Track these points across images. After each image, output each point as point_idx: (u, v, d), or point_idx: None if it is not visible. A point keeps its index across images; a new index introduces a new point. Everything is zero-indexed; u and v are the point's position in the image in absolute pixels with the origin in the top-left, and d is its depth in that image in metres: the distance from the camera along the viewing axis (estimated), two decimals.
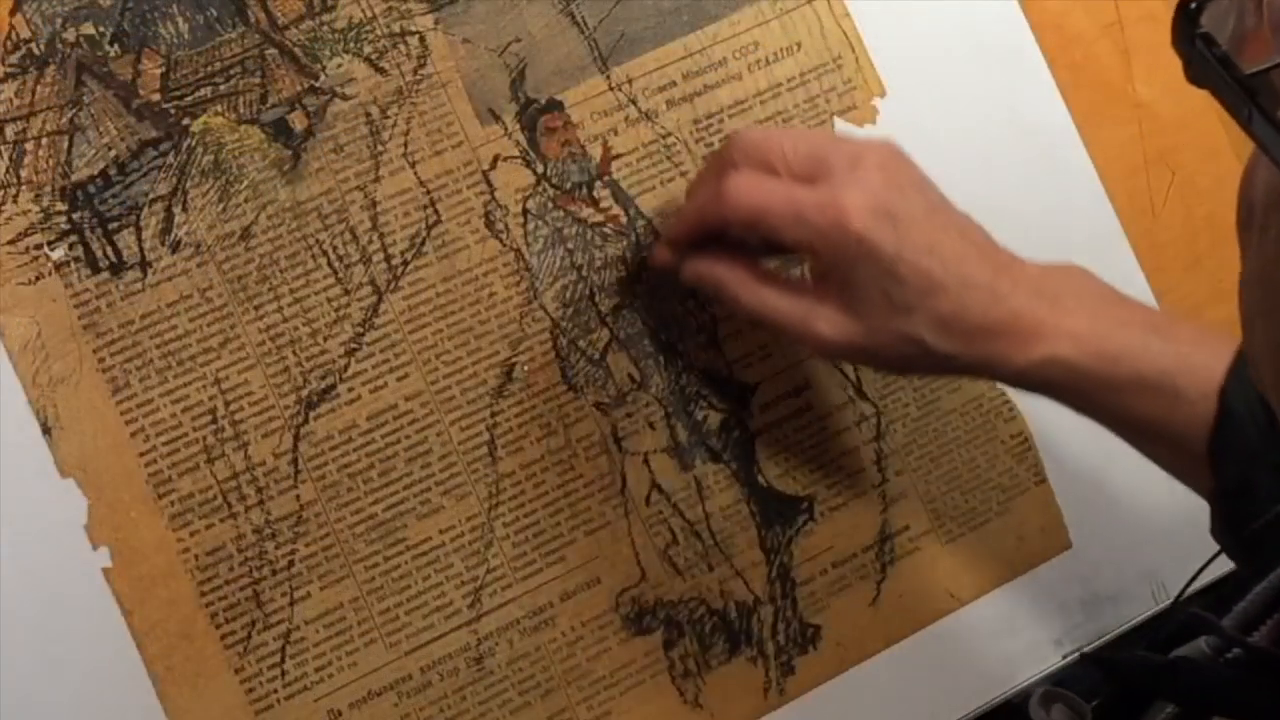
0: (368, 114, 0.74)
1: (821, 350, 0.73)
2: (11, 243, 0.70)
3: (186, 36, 0.72)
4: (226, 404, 0.71)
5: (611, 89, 0.78)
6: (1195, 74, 0.44)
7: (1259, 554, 0.62)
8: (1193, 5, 0.44)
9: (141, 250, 0.71)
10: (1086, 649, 0.81)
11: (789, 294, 0.72)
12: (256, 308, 0.72)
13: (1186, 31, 0.43)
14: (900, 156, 0.73)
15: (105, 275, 0.71)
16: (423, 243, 0.74)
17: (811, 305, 0.71)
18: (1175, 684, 0.54)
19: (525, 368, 0.75)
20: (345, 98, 0.74)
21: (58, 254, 0.70)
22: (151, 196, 0.71)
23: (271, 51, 0.73)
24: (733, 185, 0.71)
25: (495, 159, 0.76)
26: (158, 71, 0.72)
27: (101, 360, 0.70)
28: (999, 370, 0.71)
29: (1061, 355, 0.69)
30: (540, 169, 0.77)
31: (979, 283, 0.70)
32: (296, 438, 0.72)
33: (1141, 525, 0.82)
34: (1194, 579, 0.68)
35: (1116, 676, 0.57)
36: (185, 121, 0.72)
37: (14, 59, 0.70)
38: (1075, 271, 0.72)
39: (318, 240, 0.73)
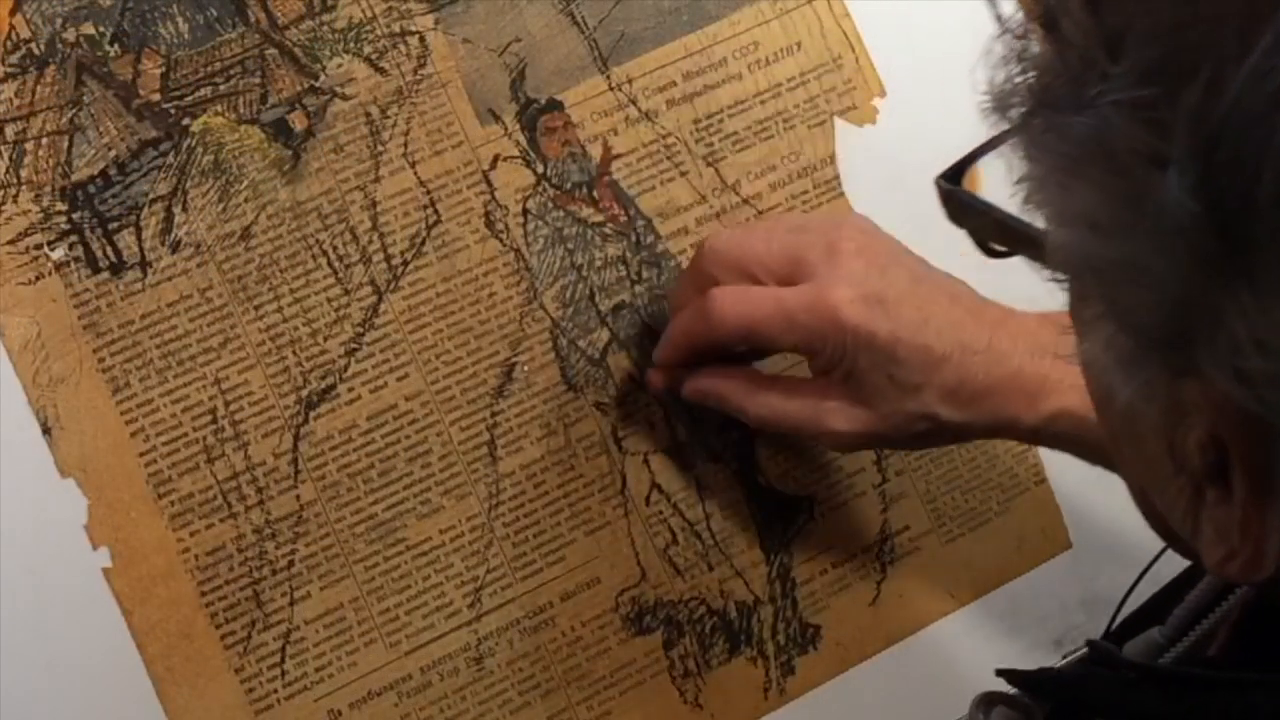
0: (368, 114, 0.74)
1: (837, 445, 0.74)
2: (11, 243, 0.70)
3: (186, 36, 0.72)
4: (226, 404, 0.71)
5: (611, 89, 0.78)
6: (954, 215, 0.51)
7: None
8: (947, 188, 0.51)
9: (141, 250, 0.71)
10: (1072, 654, 0.81)
11: (794, 395, 0.72)
12: (256, 308, 0.72)
13: (953, 211, 0.51)
14: (872, 233, 0.73)
15: (105, 275, 0.71)
16: (423, 243, 0.74)
17: (818, 402, 0.71)
18: (1085, 697, 0.54)
19: (525, 368, 0.75)
20: (345, 98, 0.74)
21: (58, 254, 0.70)
22: (151, 196, 0.71)
23: (271, 51, 0.73)
24: (718, 301, 0.71)
25: (495, 159, 0.76)
26: (158, 71, 0.72)
27: (101, 360, 0.70)
28: (1013, 430, 0.71)
29: (1069, 408, 0.69)
30: (540, 169, 0.77)
31: (978, 347, 0.70)
32: (296, 438, 0.72)
33: (1142, 525, 0.81)
34: (1130, 591, 0.68)
35: (1030, 690, 0.57)
36: (185, 121, 0.72)
37: (14, 59, 0.70)
38: (1067, 316, 0.72)
39: (318, 240, 0.73)
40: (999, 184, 0.50)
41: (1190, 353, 0.40)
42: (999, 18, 0.44)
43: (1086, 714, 0.56)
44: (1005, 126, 0.45)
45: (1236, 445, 0.41)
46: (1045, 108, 0.42)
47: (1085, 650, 0.59)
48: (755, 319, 0.70)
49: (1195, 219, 0.38)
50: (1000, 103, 0.44)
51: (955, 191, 0.52)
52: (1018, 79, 0.43)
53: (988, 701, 0.60)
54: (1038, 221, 0.45)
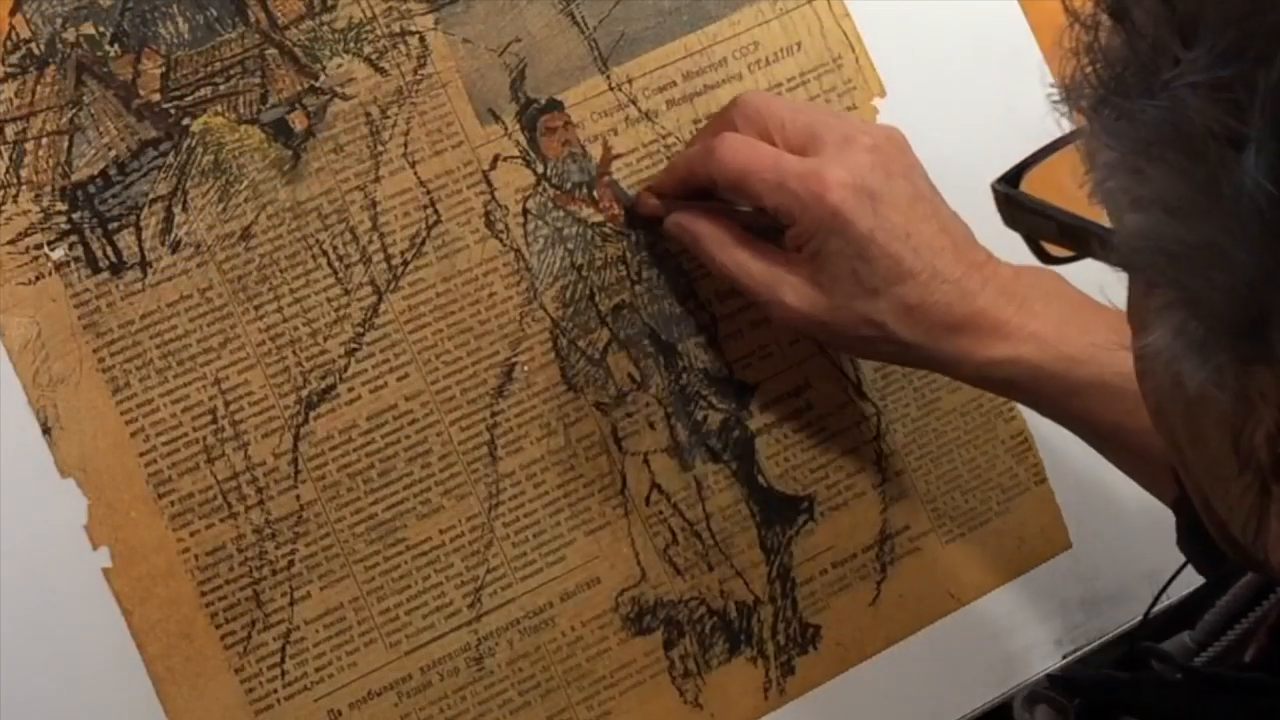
0: (368, 114, 0.74)
1: (784, 319, 0.74)
2: (11, 243, 0.70)
3: (186, 36, 0.72)
4: (226, 404, 0.71)
5: (611, 89, 0.78)
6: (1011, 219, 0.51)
7: (1221, 566, 0.62)
8: (1005, 191, 0.51)
9: (141, 250, 0.71)
10: (1072, 654, 0.81)
11: (762, 259, 0.73)
12: (256, 308, 0.72)
13: (1011, 214, 0.51)
14: (896, 142, 0.73)
15: (105, 275, 0.71)
16: (423, 243, 0.74)
17: (782, 273, 0.72)
18: (1137, 702, 0.54)
19: (525, 368, 0.75)
20: (345, 98, 0.74)
21: (58, 254, 0.70)
22: (151, 196, 0.71)
23: (271, 51, 0.73)
24: (724, 143, 0.72)
25: (495, 159, 0.76)
26: (158, 71, 0.72)
27: (101, 360, 0.70)
28: (960, 366, 0.72)
29: (1024, 356, 0.71)
30: (540, 169, 0.77)
31: (949, 277, 0.71)
32: (296, 438, 0.72)
33: (1141, 525, 0.82)
34: (1162, 592, 0.68)
35: (1081, 694, 0.57)
36: (185, 121, 0.72)
37: (14, 59, 0.70)
38: (1047, 275, 0.72)
39: (318, 240, 0.73)
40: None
41: (1264, 337, 0.39)
42: (1068, 9, 0.44)
43: (1119, 713, 0.56)
44: (1075, 119, 0.45)
45: None
46: (1116, 96, 0.42)
47: (1087, 651, 0.58)
48: (750, 169, 0.72)
49: (1272, 200, 0.38)
50: (1070, 94, 0.44)
51: (1014, 194, 0.52)
52: (1087, 69, 0.43)
53: (1031, 700, 0.60)
54: (1103, 216, 0.45)
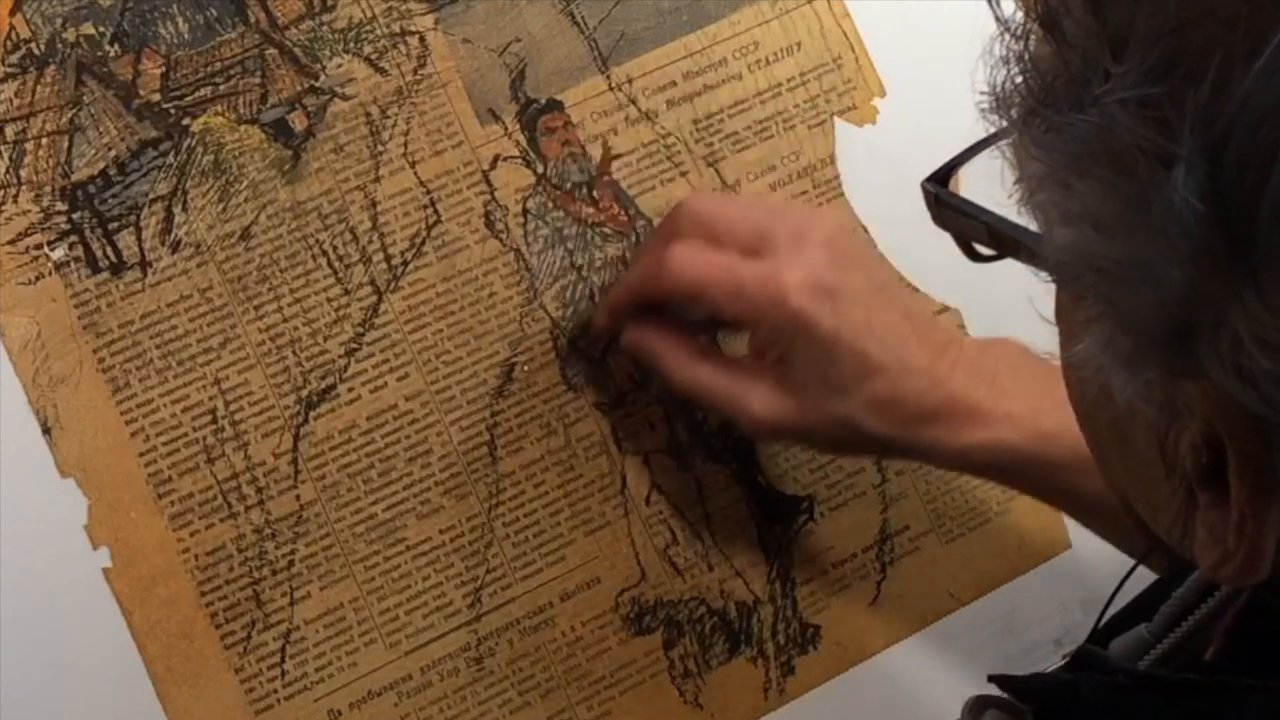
0: (368, 114, 0.74)
1: (753, 429, 0.72)
2: (11, 243, 0.70)
3: (186, 36, 0.72)
4: (226, 404, 0.71)
5: (611, 89, 0.78)
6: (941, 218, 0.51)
7: None
8: (934, 191, 0.51)
9: (141, 250, 0.71)
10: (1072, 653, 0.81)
11: (723, 371, 0.72)
12: (256, 308, 0.72)
13: (941, 213, 0.51)
14: (848, 230, 0.72)
15: (105, 275, 0.71)
16: (423, 243, 0.74)
17: (746, 383, 0.71)
18: (1076, 704, 0.54)
19: (525, 368, 0.75)
20: (345, 98, 0.74)
21: (58, 254, 0.70)
22: (151, 196, 0.71)
23: (271, 51, 0.73)
24: (674, 256, 0.70)
25: (495, 159, 0.76)
26: (158, 71, 0.72)
27: (101, 360, 0.70)
28: (938, 455, 0.71)
29: (1002, 439, 0.69)
30: (540, 169, 0.77)
31: (917, 367, 0.69)
32: (296, 438, 0.72)
33: None
34: (1110, 600, 0.68)
35: (1021, 697, 0.57)
36: (185, 121, 0.72)
37: (14, 59, 0.70)
38: (1012, 347, 0.71)
39: (318, 240, 0.73)
40: (979, 187, 0.50)
41: (1192, 351, 0.40)
42: (998, 18, 0.44)
43: (1075, 717, 0.56)
44: (1003, 126, 0.45)
45: (1236, 444, 0.41)
46: (1046, 107, 0.42)
47: (1073, 653, 0.58)
48: (705, 280, 0.70)
49: (1200, 217, 0.37)
50: (1000, 103, 0.44)
51: (942, 194, 0.52)
52: (1017, 79, 0.43)
53: (979, 705, 0.59)
54: (1033, 223, 0.45)
